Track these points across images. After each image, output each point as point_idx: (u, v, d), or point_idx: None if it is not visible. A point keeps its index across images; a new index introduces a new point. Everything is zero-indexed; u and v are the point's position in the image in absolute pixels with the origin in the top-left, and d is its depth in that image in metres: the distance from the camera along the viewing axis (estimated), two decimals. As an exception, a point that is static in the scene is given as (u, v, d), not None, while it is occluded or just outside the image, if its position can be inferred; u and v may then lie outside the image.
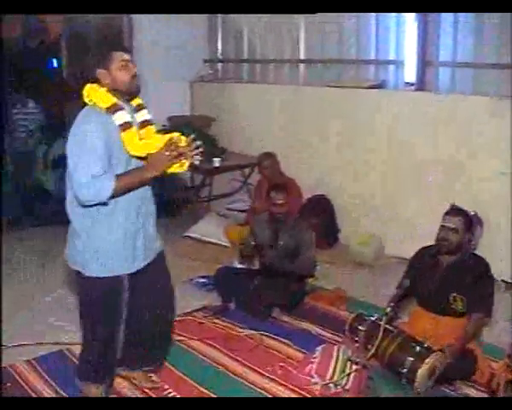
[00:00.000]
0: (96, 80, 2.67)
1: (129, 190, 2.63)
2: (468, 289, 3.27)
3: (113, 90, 2.65)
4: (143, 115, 2.76)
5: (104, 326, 2.86)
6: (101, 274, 2.76)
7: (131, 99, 2.73)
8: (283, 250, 4.18)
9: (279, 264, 4.16)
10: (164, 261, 3.04)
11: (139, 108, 2.76)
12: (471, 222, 3.41)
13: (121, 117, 2.62)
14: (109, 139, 2.58)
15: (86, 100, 2.68)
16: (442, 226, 3.35)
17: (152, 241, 2.91)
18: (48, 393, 3.18)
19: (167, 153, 2.58)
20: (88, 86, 2.69)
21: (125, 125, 2.62)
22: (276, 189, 4.20)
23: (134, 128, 2.66)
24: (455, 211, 3.38)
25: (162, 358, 3.30)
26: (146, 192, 2.82)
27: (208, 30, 7.24)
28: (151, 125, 2.77)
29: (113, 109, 2.61)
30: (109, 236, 2.71)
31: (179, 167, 2.68)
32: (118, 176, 2.56)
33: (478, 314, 3.27)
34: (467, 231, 3.33)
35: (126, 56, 2.66)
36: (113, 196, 2.56)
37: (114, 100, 2.63)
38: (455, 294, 3.30)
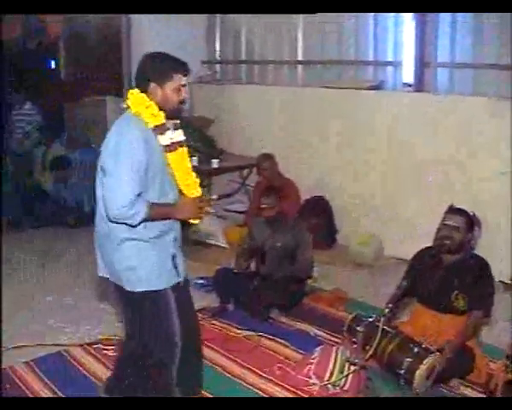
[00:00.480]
0: (143, 91, 2.58)
1: (155, 220, 2.58)
2: (469, 287, 3.27)
3: (159, 107, 2.57)
4: (179, 136, 2.68)
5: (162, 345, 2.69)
6: (149, 287, 2.62)
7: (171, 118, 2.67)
8: (281, 251, 4.18)
9: (276, 265, 4.16)
10: (189, 287, 2.97)
11: (175, 127, 2.68)
12: (472, 222, 3.41)
13: (168, 138, 2.58)
14: (151, 156, 2.51)
15: (129, 105, 2.57)
16: (444, 225, 3.33)
17: (181, 259, 2.80)
18: (46, 395, 3.17)
19: (200, 205, 2.64)
20: (135, 93, 2.58)
21: (173, 146, 2.60)
22: (265, 193, 4.21)
23: (183, 149, 2.65)
24: (457, 210, 3.38)
25: (196, 385, 3.02)
26: None
27: (207, 31, 7.24)
28: (183, 146, 2.70)
29: (161, 129, 2.56)
30: (151, 247, 2.60)
31: (195, 219, 2.72)
32: (151, 205, 2.50)
33: (478, 313, 3.28)
34: (468, 230, 3.32)
35: (184, 81, 2.59)
36: (141, 222, 2.51)
37: (163, 119, 2.57)
38: (457, 292, 3.30)
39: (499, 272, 4.55)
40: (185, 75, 2.60)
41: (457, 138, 4.90)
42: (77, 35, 6.92)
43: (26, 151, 6.39)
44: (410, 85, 5.30)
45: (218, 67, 7.36)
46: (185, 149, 2.72)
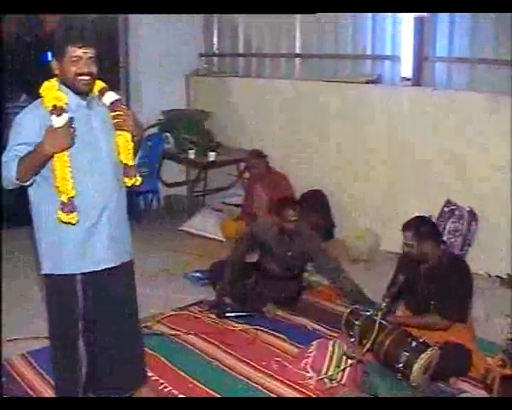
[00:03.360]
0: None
1: (33, 168, 2.40)
2: (443, 297, 3.26)
3: (64, 84, 2.49)
4: (110, 96, 2.57)
5: (62, 334, 2.66)
6: (52, 271, 2.58)
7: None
8: (293, 260, 4.17)
9: (290, 271, 4.18)
10: (131, 274, 2.77)
11: (103, 91, 2.58)
12: (432, 229, 3.37)
13: (55, 120, 2.38)
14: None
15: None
16: (403, 241, 3.34)
17: (115, 244, 2.63)
18: (42, 387, 3.18)
19: (70, 130, 2.36)
20: (50, 81, 2.53)
21: (51, 129, 2.36)
22: (289, 205, 4.10)
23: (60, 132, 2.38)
24: (408, 225, 3.31)
25: (133, 382, 2.84)
26: (109, 189, 2.58)
27: (204, 24, 7.19)
28: (123, 104, 2.59)
29: (57, 112, 2.39)
30: (61, 229, 2.49)
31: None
32: (20, 158, 2.38)
33: (441, 320, 3.26)
34: (426, 240, 3.26)
35: (80, 53, 2.41)
36: (20, 179, 2.38)
37: (55, 101, 2.41)
38: (434, 303, 3.29)
39: (499, 269, 4.59)
40: (80, 47, 2.41)
41: (456, 134, 4.89)
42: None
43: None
44: (408, 80, 5.28)
45: (215, 59, 7.32)
46: (124, 107, 2.59)
